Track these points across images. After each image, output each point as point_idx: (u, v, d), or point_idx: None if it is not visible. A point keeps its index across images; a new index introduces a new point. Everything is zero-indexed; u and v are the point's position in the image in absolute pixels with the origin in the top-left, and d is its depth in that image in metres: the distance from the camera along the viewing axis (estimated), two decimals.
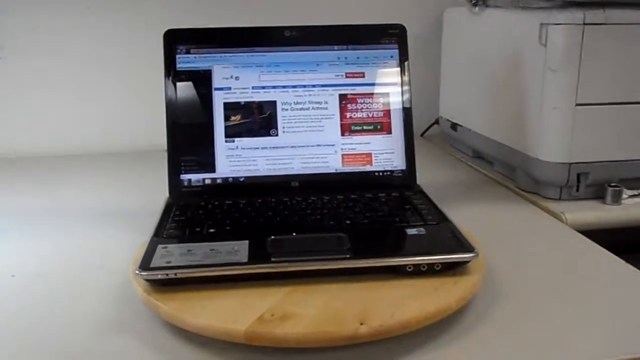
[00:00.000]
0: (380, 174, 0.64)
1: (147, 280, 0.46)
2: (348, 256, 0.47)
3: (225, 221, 0.55)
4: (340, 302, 0.44)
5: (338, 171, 0.64)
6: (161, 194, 0.62)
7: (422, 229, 0.53)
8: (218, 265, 0.46)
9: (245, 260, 0.47)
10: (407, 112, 0.65)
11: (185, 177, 0.62)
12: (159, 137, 0.65)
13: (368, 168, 0.64)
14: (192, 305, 0.43)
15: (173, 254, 0.48)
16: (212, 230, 0.53)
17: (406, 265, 0.47)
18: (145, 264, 0.46)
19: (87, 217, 0.68)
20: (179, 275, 0.45)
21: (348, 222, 0.55)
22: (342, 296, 0.45)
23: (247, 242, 0.50)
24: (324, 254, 0.48)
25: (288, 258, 0.47)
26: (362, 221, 0.55)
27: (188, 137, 0.62)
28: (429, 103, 1.04)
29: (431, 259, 0.47)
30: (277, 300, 0.44)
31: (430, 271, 0.47)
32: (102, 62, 0.99)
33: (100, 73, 0.99)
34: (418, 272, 0.47)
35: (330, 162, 0.64)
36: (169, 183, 0.62)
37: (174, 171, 0.62)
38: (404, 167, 0.65)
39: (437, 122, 1.06)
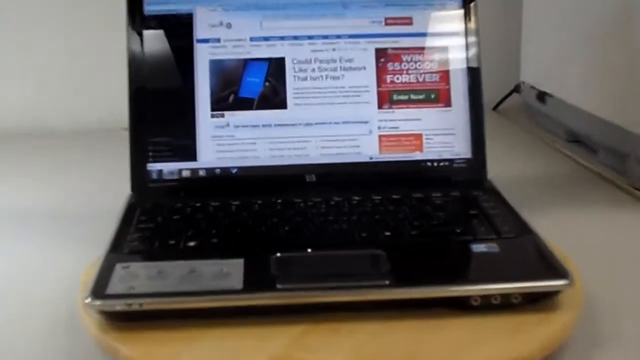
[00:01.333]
0: (435, 164, 0.65)
1: (102, 313, 0.46)
2: (387, 283, 0.48)
3: (211, 231, 0.55)
4: (376, 348, 0.44)
5: (373, 160, 0.64)
6: (121, 191, 0.62)
7: (494, 244, 0.53)
8: (200, 293, 0.46)
9: (240, 287, 0.47)
10: (473, 76, 0.65)
11: (154, 166, 0.63)
12: (118, 109, 0.66)
13: (417, 156, 0.64)
14: (163, 349, 0.44)
15: (137, 276, 0.48)
16: (192, 244, 0.53)
17: (471, 296, 0.47)
18: (99, 290, 0.46)
19: (15, 222, 0.69)
20: (145, 307, 0.46)
21: (387, 233, 0.55)
22: (378, 340, 0.45)
23: (242, 260, 0.50)
24: (353, 279, 0.48)
25: (300, 285, 0.47)
26: (407, 233, 0.55)
27: (159, 109, 0.63)
28: (505, 63, 1.04)
29: (507, 288, 0.48)
30: (285, 344, 0.44)
31: (505, 305, 0.48)
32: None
33: (36, 18, 1.00)
34: (488, 306, 0.48)
35: (363, 147, 0.64)
36: (131, 175, 0.62)
37: (139, 158, 0.63)
38: (468, 155, 0.65)
39: (516, 89, 1.06)
